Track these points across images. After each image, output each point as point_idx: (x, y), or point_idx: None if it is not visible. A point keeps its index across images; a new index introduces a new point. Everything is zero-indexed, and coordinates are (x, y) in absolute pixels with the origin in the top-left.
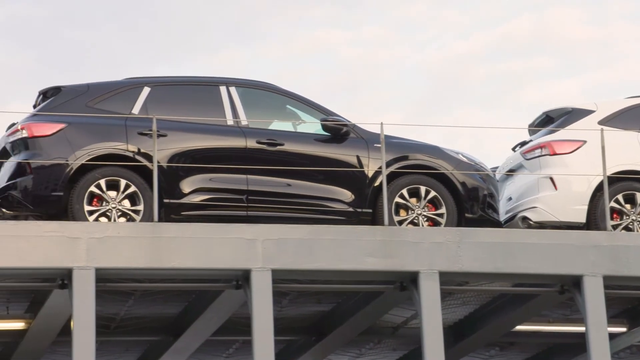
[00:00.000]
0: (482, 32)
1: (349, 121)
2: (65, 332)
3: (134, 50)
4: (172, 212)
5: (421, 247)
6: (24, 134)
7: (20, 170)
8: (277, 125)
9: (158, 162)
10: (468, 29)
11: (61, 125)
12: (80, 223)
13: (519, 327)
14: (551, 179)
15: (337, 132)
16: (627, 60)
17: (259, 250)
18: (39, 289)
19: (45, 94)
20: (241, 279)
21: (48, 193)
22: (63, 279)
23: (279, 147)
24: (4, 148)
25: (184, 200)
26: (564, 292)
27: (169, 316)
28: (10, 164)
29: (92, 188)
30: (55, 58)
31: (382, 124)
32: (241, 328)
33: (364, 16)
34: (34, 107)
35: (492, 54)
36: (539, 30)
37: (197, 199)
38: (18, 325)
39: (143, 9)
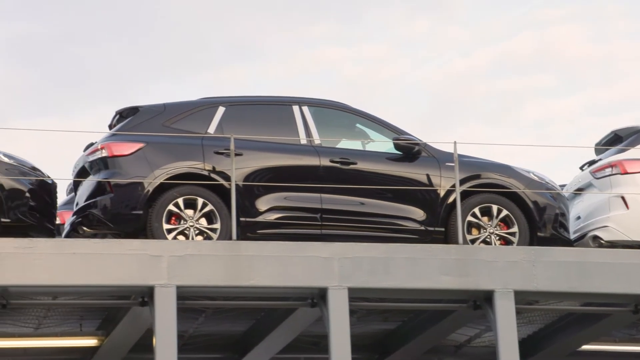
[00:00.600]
0: (483, 50)
1: (421, 140)
2: (135, 350)
3: (136, 67)
4: (248, 231)
5: (496, 265)
6: (104, 153)
7: (100, 189)
8: (347, 143)
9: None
10: (469, 46)
11: (140, 145)
12: (162, 241)
13: (584, 347)
14: (622, 198)
15: (409, 151)
16: (628, 78)
17: (336, 268)
18: (116, 307)
19: (121, 114)
20: (317, 297)
21: (128, 211)
22: (143, 296)
23: (352, 166)
24: (83, 167)
25: (260, 218)
26: (638, 311)
27: (235, 334)
28: (89, 183)
29: (171, 206)
30: (58, 75)
31: (455, 142)
32: (306, 346)
33: (365, 33)
34: (110, 126)
35: (494, 72)
36: (541, 48)
37: (272, 217)
38: (90, 342)
39: (145, 26)
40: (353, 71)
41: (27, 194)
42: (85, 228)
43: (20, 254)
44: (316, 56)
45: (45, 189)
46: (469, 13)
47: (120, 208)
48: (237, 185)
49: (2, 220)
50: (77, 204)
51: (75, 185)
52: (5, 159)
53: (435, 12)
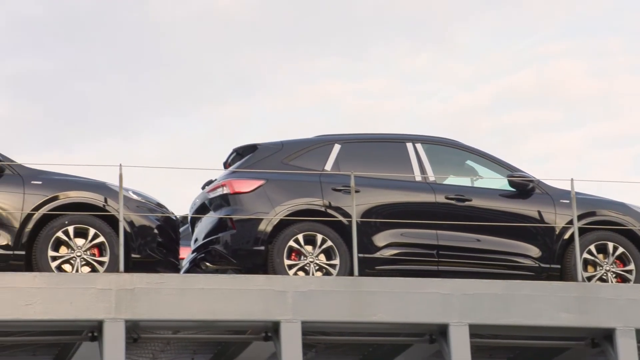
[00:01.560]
0: (486, 84)
1: (534, 177)
2: None
3: (139, 101)
4: (366, 266)
5: (617, 303)
6: (226, 190)
7: (222, 225)
8: (460, 180)
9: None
10: (472, 80)
11: (260, 182)
12: (286, 277)
13: None
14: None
15: (523, 187)
16: (630, 113)
17: (456, 305)
18: (236, 341)
19: (238, 152)
20: (436, 333)
21: (250, 247)
22: (267, 331)
23: (467, 203)
24: (203, 204)
25: (377, 254)
26: None
27: None
28: (209, 220)
29: (291, 242)
30: (61, 110)
31: (572, 180)
32: None
33: (368, 68)
34: (225, 163)
35: (496, 106)
36: (543, 83)
37: (389, 253)
38: None
39: (147, 60)
40: (356, 105)
41: (155, 231)
42: (208, 264)
43: (152, 289)
44: (319, 90)
45: (170, 225)
46: (471, 48)
47: (242, 244)
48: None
49: (133, 255)
50: (196, 240)
51: (192, 222)
52: (135, 196)
53: (438, 47)
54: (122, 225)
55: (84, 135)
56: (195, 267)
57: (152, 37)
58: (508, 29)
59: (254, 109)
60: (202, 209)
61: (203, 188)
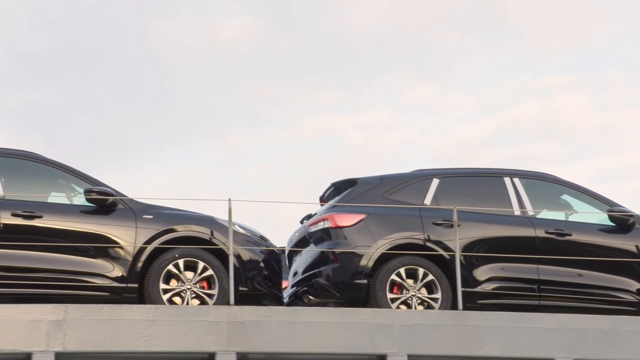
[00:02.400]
0: (488, 117)
1: (634, 212)
2: None
3: (142, 134)
4: (467, 300)
5: None
6: (327, 224)
7: (324, 258)
8: (551, 214)
9: (453, 252)
10: (474, 113)
11: (362, 216)
12: (392, 310)
13: None
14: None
15: (624, 222)
16: (632, 146)
17: (561, 339)
18: None
19: (337, 186)
20: None
21: (352, 281)
22: None
23: (567, 237)
24: (303, 237)
25: (479, 288)
26: None
27: None
28: (310, 253)
29: (393, 276)
30: (64, 143)
31: None
32: None
33: (371, 100)
34: (321, 197)
35: (498, 138)
36: (545, 115)
37: (490, 287)
38: None
39: (150, 93)
40: (358, 138)
41: (261, 264)
42: (311, 297)
43: (262, 321)
44: (321, 122)
45: (274, 258)
46: (473, 80)
47: (345, 277)
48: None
49: (241, 288)
50: (295, 273)
51: (290, 255)
52: (242, 230)
53: (440, 79)
54: (232, 259)
55: (87, 168)
56: (296, 300)
57: (155, 70)
58: (510, 62)
59: (257, 141)
60: (301, 242)
61: (302, 222)
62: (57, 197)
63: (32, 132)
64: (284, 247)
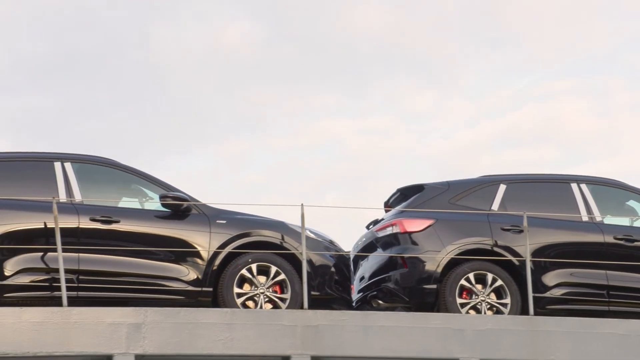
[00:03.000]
0: (487, 122)
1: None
2: None
3: (141, 140)
4: (537, 306)
5: None
6: (396, 229)
7: (392, 263)
8: (616, 220)
9: (522, 257)
10: (473, 118)
11: (430, 222)
12: (464, 315)
13: None
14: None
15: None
16: (632, 150)
17: (634, 345)
18: None
19: (403, 192)
20: None
21: (422, 286)
22: None
23: (635, 243)
24: (371, 242)
25: (547, 294)
26: None
27: None
28: (377, 258)
29: (462, 281)
30: (64, 149)
31: None
32: None
33: (371, 106)
34: (386, 203)
35: (499, 143)
36: (545, 120)
37: (559, 292)
38: None
39: (150, 99)
40: (358, 143)
41: (332, 269)
42: (380, 301)
43: (335, 326)
44: (321, 128)
45: (343, 262)
46: (473, 85)
47: (414, 282)
48: (524, 261)
49: (312, 293)
50: (362, 278)
51: (356, 260)
52: (312, 235)
53: (440, 84)
54: (305, 263)
55: None
56: (364, 304)
57: (155, 75)
58: (510, 67)
59: (256, 146)
60: (368, 247)
61: (368, 227)
62: (129, 202)
63: (33, 138)
64: (354, 253)
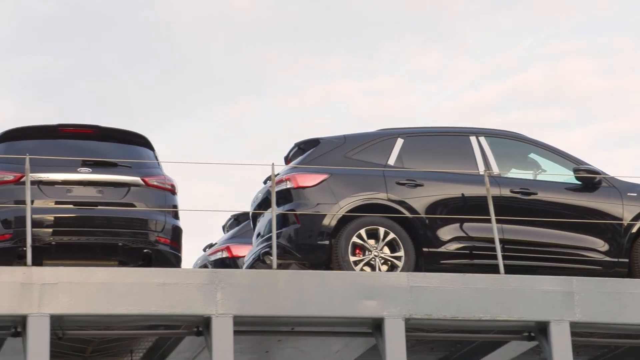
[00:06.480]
0: (494, 83)
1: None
2: None
3: (148, 101)
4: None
5: None
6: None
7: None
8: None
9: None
10: (481, 79)
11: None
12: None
13: None
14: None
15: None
16: (639, 111)
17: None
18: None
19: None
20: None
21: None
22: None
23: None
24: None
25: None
26: None
27: None
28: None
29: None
30: (71, 109)
31: None
32: None
33: (377, 67)
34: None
35: (505, 104)
36: (551, 81)
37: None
38: None
39: (157, 60)
40: (364, 104)
41: None
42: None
43: None
44: (328, 89)
45: None
46: (479, 46)
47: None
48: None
49: None
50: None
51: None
52: None
53: (447, 45)
54: None
55: None
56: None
57: (162, 37)
58: (517, 28)
59: (264, 108)
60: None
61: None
62: (543, 176)
63: (41, 98)
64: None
